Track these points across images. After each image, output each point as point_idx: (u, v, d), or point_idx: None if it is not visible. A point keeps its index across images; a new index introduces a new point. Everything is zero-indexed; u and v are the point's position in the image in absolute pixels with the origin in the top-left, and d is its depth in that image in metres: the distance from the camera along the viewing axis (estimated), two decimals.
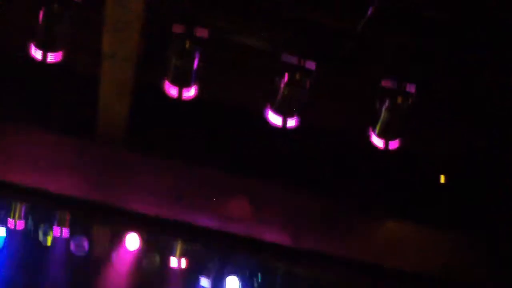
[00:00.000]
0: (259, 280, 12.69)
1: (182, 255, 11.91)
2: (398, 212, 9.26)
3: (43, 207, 11.36)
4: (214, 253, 12.21)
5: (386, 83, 7.07)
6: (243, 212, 8.85)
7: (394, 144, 7.33)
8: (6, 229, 11.84)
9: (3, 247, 12.08)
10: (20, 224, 11.64)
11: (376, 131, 7.27)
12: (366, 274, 9.59)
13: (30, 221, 11.88)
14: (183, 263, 12.00)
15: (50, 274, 12.40)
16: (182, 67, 7.07)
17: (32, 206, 11.46)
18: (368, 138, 7.43)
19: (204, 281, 12.60)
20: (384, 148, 7.31)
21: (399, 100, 6.97)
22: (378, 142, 7.32)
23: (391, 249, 9.25)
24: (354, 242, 9.23)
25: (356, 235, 9.24)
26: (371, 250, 9.24)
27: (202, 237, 9.37)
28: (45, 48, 7.09)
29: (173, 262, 11.99)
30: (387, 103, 7.03)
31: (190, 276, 12.55)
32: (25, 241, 12.11)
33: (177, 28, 6.87)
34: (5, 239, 12.07)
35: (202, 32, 6.87)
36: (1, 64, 8.35)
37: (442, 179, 9.24)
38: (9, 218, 11.56)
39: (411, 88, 7.04)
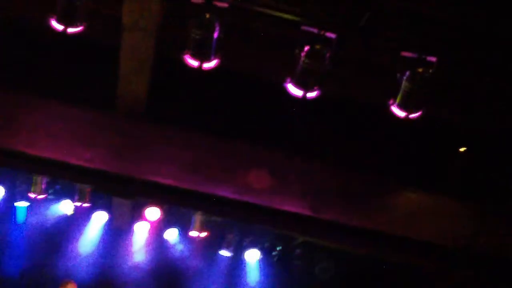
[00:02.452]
0: (278, 251, 12.77)
1: (202, 226, 11.97)
2: (416, 183, 9.26)
3: (64, 180, 11.45)
4: (233, 224, 12.28)
5: (406, 53, 7.01)
6: (263, 183, 8.88)
7: (415, 115, 7.28)
8: (28, 202, 11.99)
9: (25, 219, 12.22)
10: (41, 198, 11.75)
11: (397, 102, 7.22)
12: (384, 244, 9.63)
13: (51, 195, 11.99)
14: (203, 234, 12.07)
15: (71, 245, 12.54)
16: (202, 38, 7.04)
17: (53, 179, 11.56)
18: (387, 109, 7.39)
19: (224, 252, 12.69)
20: (405, 118, 7.28)
21: (420, 70, 6.92)
22: (398, 112, 7.28)
23: (409, 220, 9.27)
24: (373, 213, 9.25)
25: (375, 206, 9.26)
26: (389, 221, 9.26)
27: (222, 207, 9.43)
28: (66, 22, 7.07)
29: (193, 233, 12.06)
30: (407, 74, 6.99)
31: (210, 247, 12.64)
32: (46, 214, 12.24)
33: None
34: (27, 211, 12.21)
35: (221, 3, 6.84)
36: (21, 37, 8.39)
37: (462, 149, 9.22)
38: (30, 191, 11.67)
39: (431, 58, 6.99)
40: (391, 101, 7.28)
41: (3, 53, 8.53)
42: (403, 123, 7.52)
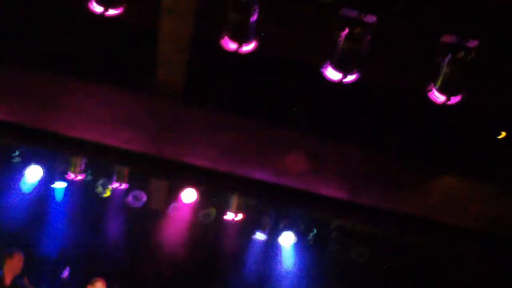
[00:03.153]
0: (314, 235, 12.77)
1: (238, 209, 12.02)
2: (455, 167, 9.16)
3: (102, 161, 11.56)
4: (269, 207, 12.30)
5: (447, 37, 6.93)
6: (300, 166, 8.86)
7: (455, 99, 7.21)
8: (67, 182, 12.14)
9: (63, 199, 12.37)
10: (80, 178, 11.89)
11: (437, 86, 7.16)
12: (422, 229, 9.56)
13: (89, 175, 12.11)
14: (239, 217, 12.12)
15: (108, 225, 12.67)
16: (240, 21, 7.03)
17: (92, 160, 11.68)
18: (426, 93, 7.32)
19: (260, 235, 12.73)
20: (445, 103, 7.21)
21: (461, 54, 6.84)
22: (438, 97, 7.21)
23: (447, 204, 9.18)
24: (410, 197, 9.18)
25: (412, 190, 9.19)
26: (427, 205, 9.18)
27: (258, 190, 9.42)
28: (106, 4, 7.11)
29: (229, 215, 12.11)
30: (448, 58, 6.90)
31: (246, 229, 12.68)
32: (84, 194, 12.38)
33: None
34: (65, 191, 12.36)
35: None
36: (61, 20, 8.45)
37: (503, 134, 9.11)
38: (69, 172, 11.81)
39: (473, 42, 6.90)
40: (431, 86, 7.21)
41: (42, 36, 8.61)
42: (442, 107, 7.46)
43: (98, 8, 7.16)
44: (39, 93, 8.77)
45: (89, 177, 12.12)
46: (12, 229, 12.16)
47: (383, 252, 12.60)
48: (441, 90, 7.15)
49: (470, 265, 11.80)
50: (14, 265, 10.49)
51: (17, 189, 12.41)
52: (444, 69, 6.98)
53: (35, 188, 12.32)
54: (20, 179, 12.23)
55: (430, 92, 7.22)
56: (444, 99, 7.20)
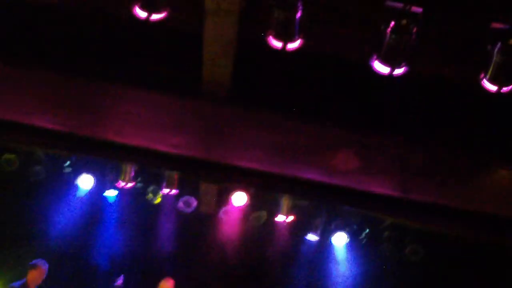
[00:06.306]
0: (366, 234, 12.64)
1: (289, 210, 11.96)
2: (509, 159, 8.97)
3: (152, 167, 11.61)
4: (321, 207, 12.22)
5: (496, 25, 6.78)
6: (350, 165, 8.77)
7: (507, 88, 7.05)
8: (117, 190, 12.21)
9: (115, 207, 12.46)
10: (130, 185, 11.95)
11: (488, 76, 7.00)
12: (479, 225, 9.38)
13: (139, 183, 12.17)
14: (290, 218, 12.05)
15: (160, 231, 12.72)
16: (285, 19, 6.98)
17: (141, 167, 11.74)
18: (478, 84, 7.17)
19: (311, 236, 12.65)
20: (497, 92, 7.05)
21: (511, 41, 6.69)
22: (490, 86, 7.06)
23: (502, 198, 8.99)
24: (466, 192, 9.01)
25: (468, 185, 9.02)
26: (484, 200, 9.00)
27: (309, 191, 9.35)
28: (150, 8, 7.14)
29: (280, 217, 12.05)
30: (498, 46, 6.75)
31: (297, 231, 12.61)
32: (135, 201, 12.44)
33: None
34: (116, 199, 12.44)
35: None
36: (105, 25, 8.51)
37: None
38: (119, 180, 11.88)
39: None
40: (482, 75, 7.07)
41: (88, 43, 8.68)
42: (493, 97, 7.30)
43: (142, 14, 7.18)
44: (87, 101, 8.85)
45: (139, 184, 12.16)
46: (65, 239, 12.29)
47: (437, 249, 12.41)
48: (493, 80, 7.00)
49: None
50: (36, 276, 10.74)
51: (69, 199, 12.54)
52: (495, 58, 6.82)
53: (87, 197, 12.43)
54: (72, 189, 12.35)
55: (482, 82, 7.07)
56: (495, 89, 7.04)
